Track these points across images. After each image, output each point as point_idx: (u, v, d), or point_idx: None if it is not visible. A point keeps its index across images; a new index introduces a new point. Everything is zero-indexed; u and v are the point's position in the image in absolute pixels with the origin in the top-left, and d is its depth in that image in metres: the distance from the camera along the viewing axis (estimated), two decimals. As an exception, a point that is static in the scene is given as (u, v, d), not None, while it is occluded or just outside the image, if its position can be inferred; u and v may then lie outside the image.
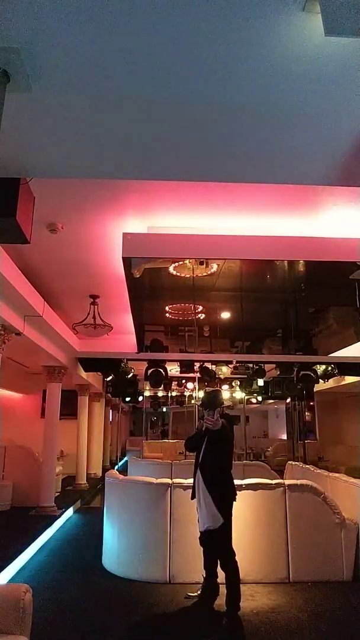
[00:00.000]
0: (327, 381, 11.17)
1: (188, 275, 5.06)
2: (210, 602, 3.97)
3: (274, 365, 10.38)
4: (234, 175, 3.00)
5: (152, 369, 9.02)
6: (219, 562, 3.93)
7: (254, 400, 16.27)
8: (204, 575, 4.10)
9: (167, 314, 6.88)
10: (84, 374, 9.84)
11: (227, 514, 3.82)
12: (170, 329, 8.20)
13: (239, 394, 14.58)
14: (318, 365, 9.82)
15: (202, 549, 4.11)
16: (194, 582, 4.30)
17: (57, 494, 8.17)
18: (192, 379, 11.99)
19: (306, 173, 2.88)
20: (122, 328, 7.29)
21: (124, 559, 4.80)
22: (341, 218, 3.92)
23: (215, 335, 8.09)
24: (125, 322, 6.90)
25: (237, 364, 9.88)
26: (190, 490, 4.13)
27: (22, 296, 4.91)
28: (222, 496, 3.84)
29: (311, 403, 14.97)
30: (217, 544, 3.88)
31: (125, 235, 3.98)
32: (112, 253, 4.69)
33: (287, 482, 4.88)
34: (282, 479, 5.89)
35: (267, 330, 8.19)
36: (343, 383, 11.12)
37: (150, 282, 5.34)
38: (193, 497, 4.03)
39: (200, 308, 6.73)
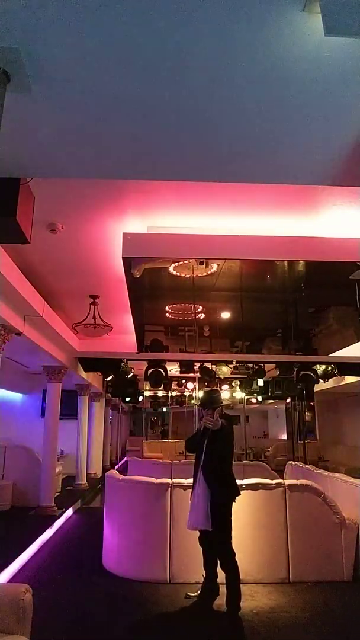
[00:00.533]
0: (327, 381, 11.17)
1: (188, 275, 5.07)
2: (209, 602, 3.97)
3: (274, 365, 10.38)
4: (234, 175, 3.00)
5: (152, 369, 9.02)
6: (219, 562, 3.92)
7: (254, 400, 16.27)
8: (204, 575, 4.10)
9: (167, 314, 6.88)
10: (84, 374, 9.84)
11: (227, 513, 3.82)
12: (170, 329, 8.20)
13: (239, 394, 14.58)
14: (318, 365, 9.82)
15: (201, 548, 4.11)
16: (194, 582, 4.30)
17: (57, 494, 8.17)
18: (192, 379, 11.99)
19: (306, 173, 2.88)
20: (122, 328, 7.29)
21: (124, 559, 4.80)
22: (341, 218, 3.92)
23: (215, 335, 8.09)
24: (125, 322, 6.90)
25: (237, 364, 9.88)
26: (190, 490, 4.12)
27: (22, 296, 4.91)
28: (223, 496, 3.84)
29: (311, 403, 14.96)
30: (216, 543, 3.88)
31: (125, 235, 3.98)
32: (112, 253, 4.69)
33: (287, 482, 4.88)
34: (282, 479, 5.89)
35: (267, 330, 8.19)
36: (343, 383, 11.12)
37: (150, 282, 5.34)
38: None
39: (200, 308, 6.73)
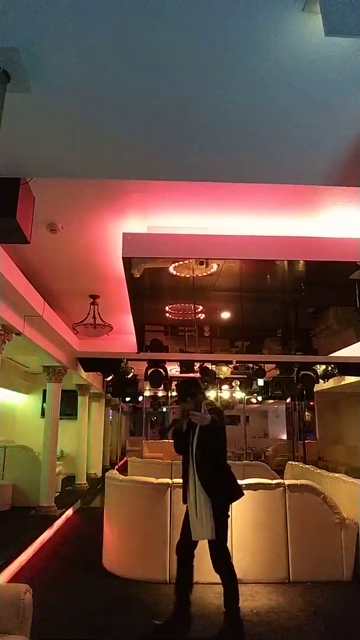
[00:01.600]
0: (327, 381, 11.17)
1: (188, 275, 5.06)
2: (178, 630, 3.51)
3: (274, 365, 10.39)
4: (234, 175, 3.00)
5: (152, 369, 9.02)
6: (215, 564, 3.53)
7: (254, 400, 16.29)
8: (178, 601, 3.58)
9: (167, 314, 6.88)
10: (84, 374, 9.84)
11: (226, 515, 3.56)
12: (170, 329, 8.20)
13: (239, 394, 14.59)
14: (318, 365, 9.83)
15: (184, 557, 3.63)
16: (194, 583, 4.29)
17: (57, 494, 8.17)
18: (192, 379, 11.97)
19: (306, 173, 2.88)
20: (122, 328, 7.29)
21: (124, 559, 4.80)
22: (341, 218, 3.92)
23: (215, 335, 8.09)
24: (125, 322, 6.90)
25: (237, 364, 9.89)
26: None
27: (22, 296, 4.91)
28: (221, 495, 3.55)
29: (311, 403, 14.97)
30: (216, 546, 3.51)
31: (125, 235, 3.98)
32: (112, 253, 4.69)
33: (287, 482, 4.88)
34: (282, 479, 5.88)
35: (267, 330, 8.19)
36: (343, 383, 11.12)
37: (150, 282, 5.34)
38: (185, 500, 3.64)
39: (200, 308, 6.73)
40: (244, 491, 4.61)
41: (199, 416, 3.40)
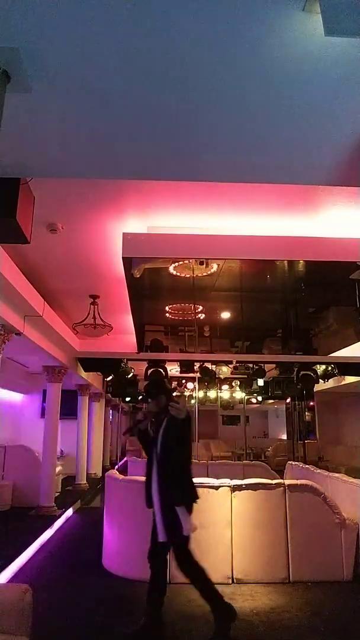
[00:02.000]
0: (327, 381, 11.17)
1: (188, 275, 5.07)
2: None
3: (274, 365, 10.40)
4: (234, 175, 3.00)
5: (152, 369, 9.03)
6: (178, 564, 3.45)
7: (254, 400, 16.28)
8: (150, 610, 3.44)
9: (167, 314, 6.88)
10: (84, 374, 9.85)
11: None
12: (170, 329, 8.21)
13: (239, 394, 14.59)
14: (318, 365, 9.83)
15: (155, 565, 3.56)
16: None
17: (57, 494, 8.17)
18: (192, 379, 12.00)
19: (306, 173, 2.88)
20: (122, 328, 7.29)
21: (124, 559, 4.79)
22: (341, 218, 3.92)
23: (215, 335, 8.10)
24: (125, 322, 6.90)
25: (237, 364, 9.89)
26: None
27: (22, 296, 4.91)
28: (184, 497, 3.40)
29: (311, 403, 14.97)
30: (176, 548, 3.45)
31: (125, 235, 3.98)
32: (112, 253, 4.69)
33: (287, 482, 4.88)
34: (282, 479, 5.88)
35: (267, 330, 8.20)
36: (343, 383, 11.13)
37: (150, 282, 5.34)
38: (150, 505, 3.49)
39: (200, 308, 6.74)
40: (244, 491, 4.66)
41: (176, 407, 3.34)
